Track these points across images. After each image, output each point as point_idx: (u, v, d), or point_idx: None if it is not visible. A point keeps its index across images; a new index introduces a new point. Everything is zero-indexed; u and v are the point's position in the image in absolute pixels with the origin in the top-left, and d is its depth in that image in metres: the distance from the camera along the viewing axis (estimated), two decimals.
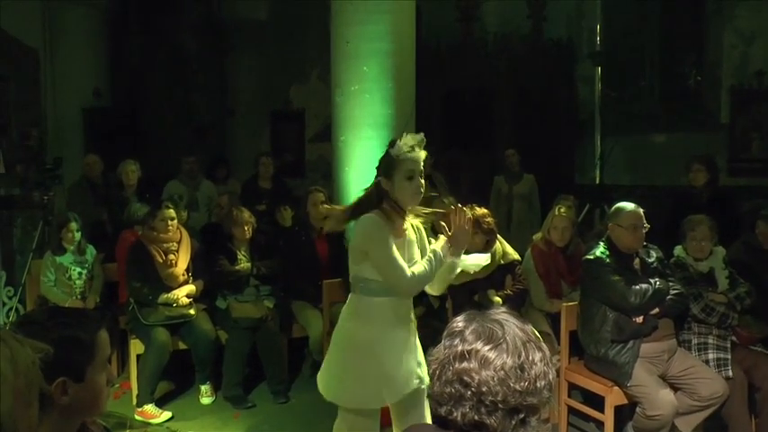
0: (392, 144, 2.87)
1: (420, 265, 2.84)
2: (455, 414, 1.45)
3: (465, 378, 1.44)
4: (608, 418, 3.81)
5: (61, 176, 6.58)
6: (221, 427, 4.42)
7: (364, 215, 2.84)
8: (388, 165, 2.85)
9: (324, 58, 6.33)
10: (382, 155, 2.92)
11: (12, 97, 7.85)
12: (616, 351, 3.74)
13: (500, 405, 1.42)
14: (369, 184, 2.99)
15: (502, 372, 1.42)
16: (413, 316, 3.00)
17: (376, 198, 2.87)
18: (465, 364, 1.44)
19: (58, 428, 1.53)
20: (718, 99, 7.61)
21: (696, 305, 3.89)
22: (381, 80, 5.42)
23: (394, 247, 2.78)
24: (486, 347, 1.44)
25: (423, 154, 2.84)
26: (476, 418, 1.43)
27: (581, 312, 3.97)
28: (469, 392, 1.43)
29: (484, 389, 1.42)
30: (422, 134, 2.87)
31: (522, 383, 1.43)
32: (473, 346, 1.45)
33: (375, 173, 2.93)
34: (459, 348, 1.47)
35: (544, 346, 1.51)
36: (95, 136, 7.97)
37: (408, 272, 2.79)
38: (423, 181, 2.85)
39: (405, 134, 2.88)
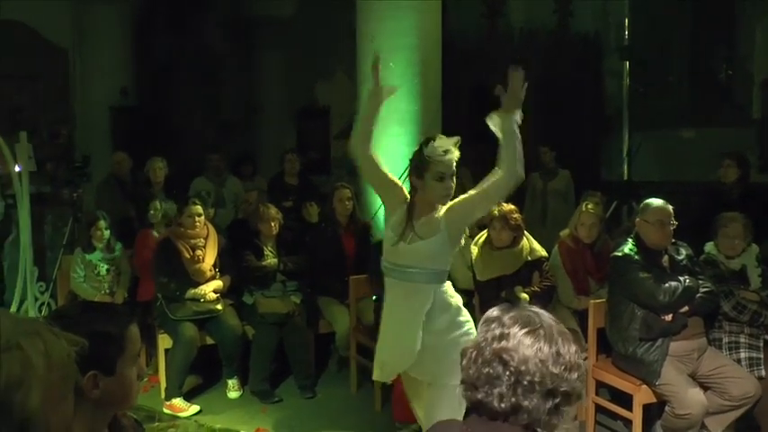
0: (426, 142, 2.88)
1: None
2: (492, 397, 1.45)
3: (504, 356, 1.45)
4: (636, 416, 3.76)
5: (90, 174, 6.67)
6: (248, 421, 4.44)
7: None
8: (420, 164, 2.86)
9: (349, 55, 6.34)
10: (415, 151, 2.93)
11: (42, 96, 7.99)
12: (644, 349, 3.69)
13: (537, 386, 1.43)
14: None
15: (541, 353, 1.44)
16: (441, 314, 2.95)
17: (412, 193, 2.94)
18: (504, 343, 1.46)
19: (91, 422, 1.55)
20: (750, 94, 7.49)
21: (727, 303, 3.83)
22: (407, 76, 5.41)
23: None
24: (523, 331, 1.46)
25: (456, 155, 2.85)
26: (513, 399, 1.44)
27: (609, 310, 3.92)
28: (508, 372, 1.44)
29: (522, 368, 1.43)
30: (457, 137, 2.88)
31: (558, 367, 1.44)
32: (511, 329, 1.47)
33: (407, 168, 2.98)
34: (498, 331, 1.49)
35: (576, 342, 1.52)
36: (123, 134, 8.07)
37: None
38: (453, 181, 2.86)
39: (439, 136, 2.88)
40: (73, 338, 0.96)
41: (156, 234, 5.26)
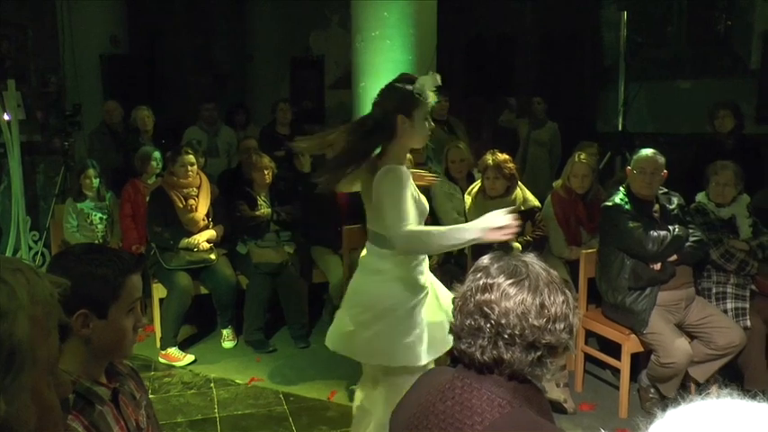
0: (410, 80, 2.70)
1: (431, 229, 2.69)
2: (474, 348, 1.47)
3: (485, 309, 1.45)
4: (624, 365, 3.82)
5: (81, 123, 6.61)
6: (243, 371, 4.50)
7: (392, 167, 2.63)
8: (409, 102, 2.66)
9: (344, 4, 6.22)
10: (395, 87, 2.72)
11: (30, 44, 7.85)
12: (633, 298, 3.73)
13: (518, 339, 1.43)
14: (375, 116, 2.74)
15: (522, 306, 1.43)
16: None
17: (388, 134, 2.68)
18: (487, 296, 1.46)
19: (87, 366, 1.57)
20: (749, 44, 7.39)
21: (715, 251, 3.85)
22: (402, 26, 5.32)
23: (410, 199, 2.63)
24: (508, 281, 1.46)
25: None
26: (494, 352, 1.45)
27: (599, 260, 3.94)
28: (489, 324, 1.45)
29: (503, 321, 1.43)
30: (438, 76, 2.71)
31: (540, 320, 1.43)
32: (496, 279, 1.47)
33: (384, 106, 2.71)
34: (482, 282, 1.48)
35: (568, 292, 1.50)
36: (114, 83, 7.96)
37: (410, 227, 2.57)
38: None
39: (429, 73, 2.72)
40: (55, 279, 0.97)
41: (148, 183, 5.23)
